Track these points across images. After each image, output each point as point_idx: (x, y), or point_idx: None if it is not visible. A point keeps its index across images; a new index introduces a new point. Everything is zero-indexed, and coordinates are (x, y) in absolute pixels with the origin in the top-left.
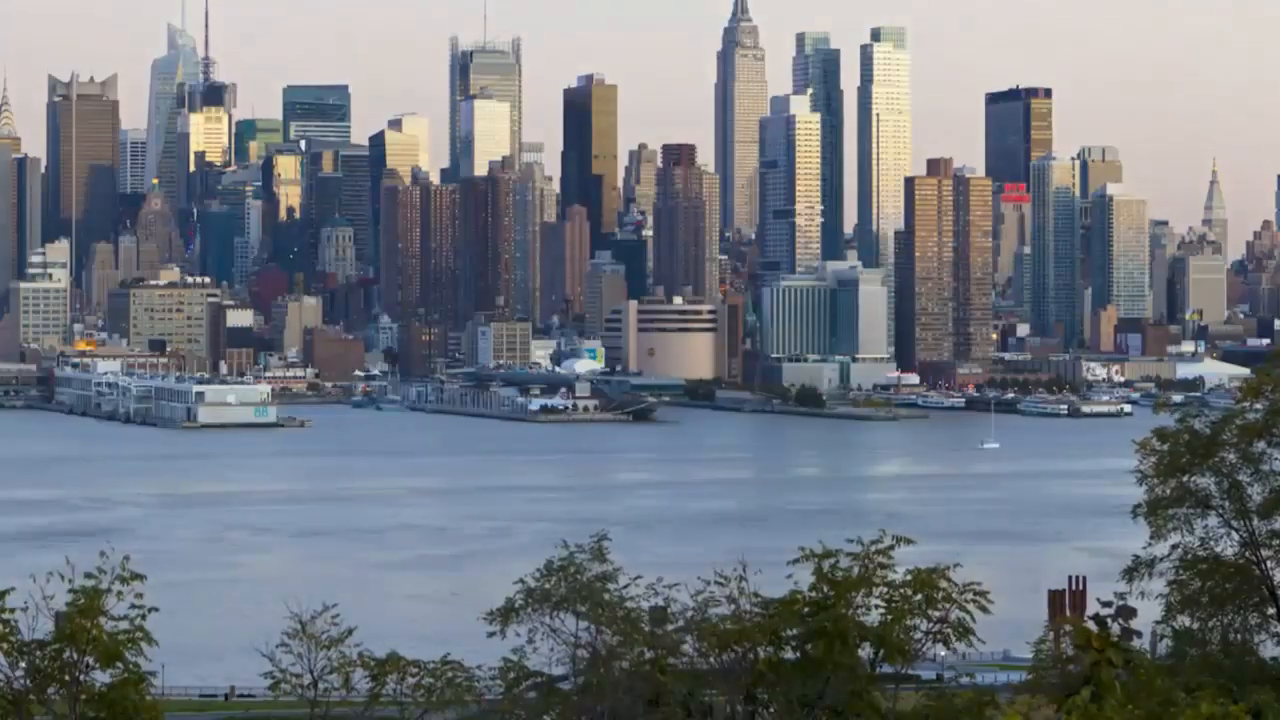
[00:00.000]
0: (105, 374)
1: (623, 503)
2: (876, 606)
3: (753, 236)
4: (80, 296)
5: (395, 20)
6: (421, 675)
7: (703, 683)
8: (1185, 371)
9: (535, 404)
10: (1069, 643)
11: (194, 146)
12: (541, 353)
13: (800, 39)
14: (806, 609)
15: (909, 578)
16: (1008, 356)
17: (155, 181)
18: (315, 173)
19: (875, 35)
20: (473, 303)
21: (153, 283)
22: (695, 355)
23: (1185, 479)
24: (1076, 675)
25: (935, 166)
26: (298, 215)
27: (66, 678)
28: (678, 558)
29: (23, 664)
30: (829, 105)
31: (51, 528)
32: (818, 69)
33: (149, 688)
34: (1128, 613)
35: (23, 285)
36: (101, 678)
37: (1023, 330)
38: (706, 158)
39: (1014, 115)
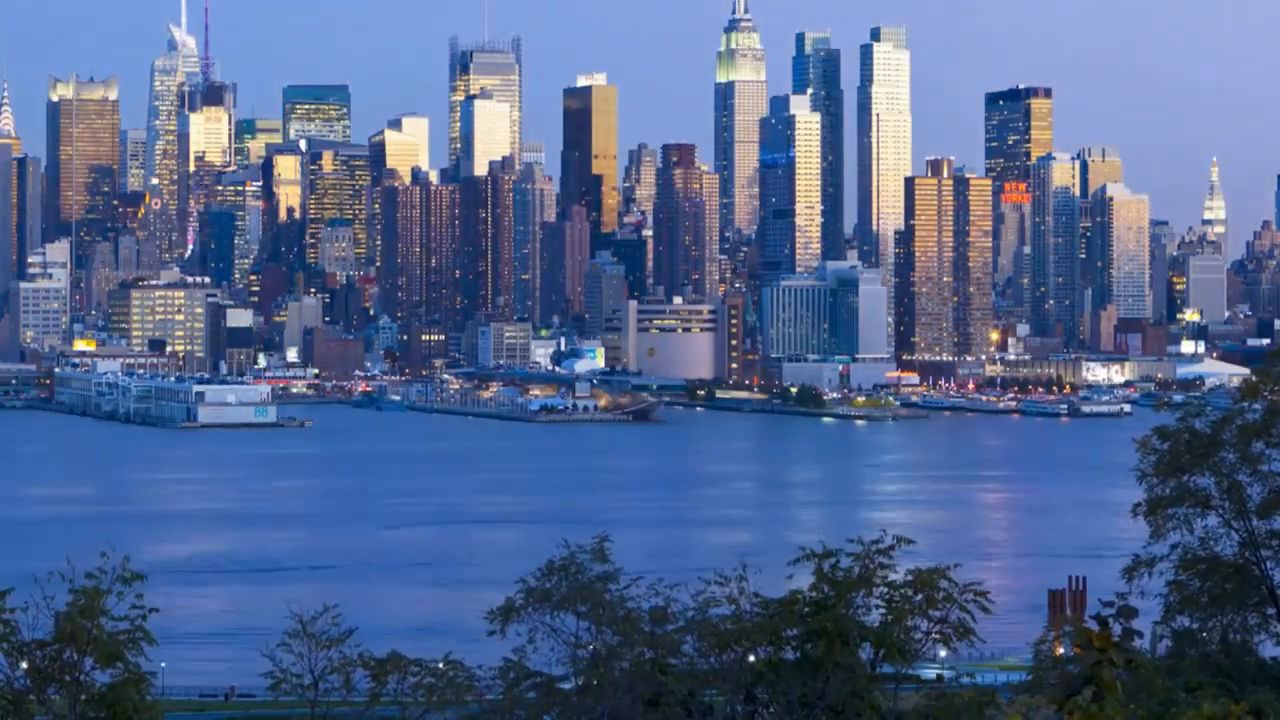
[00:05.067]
0: (105, 374)
1: (623, 503)
2: (876, 606)
3: (753, 236)
4: (80, 296)
5: (395, 20)
6: (422, 675)
7: (703, 683)
8: (1185, 371)
9: (535, 404)
10: (1068, 643)
11: (194, 146)
12: (541, 353)
13: (800, 39)
14: (806, 609)
15: (909, 578)
16: (1008, 356)
17: (155, 181)
18: (315, 173)
19: (875, 35)
20: (473, 303)
21: (153, 283)
22: (695, 355)
23: (1185, 478)
24: (1077, 675)
25: (935, 166)
26: (297, 215)
27: (66, 678)
28: (677, 558)
29: (23, 664)
30: (829, 105)
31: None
32: (818, 69)
33: (149, 688)
34: (1129, 613)
35: (23, 285)
36: (101, 678)
37: (1023, 330)
38: (706, 158)
39: (1014, 115)
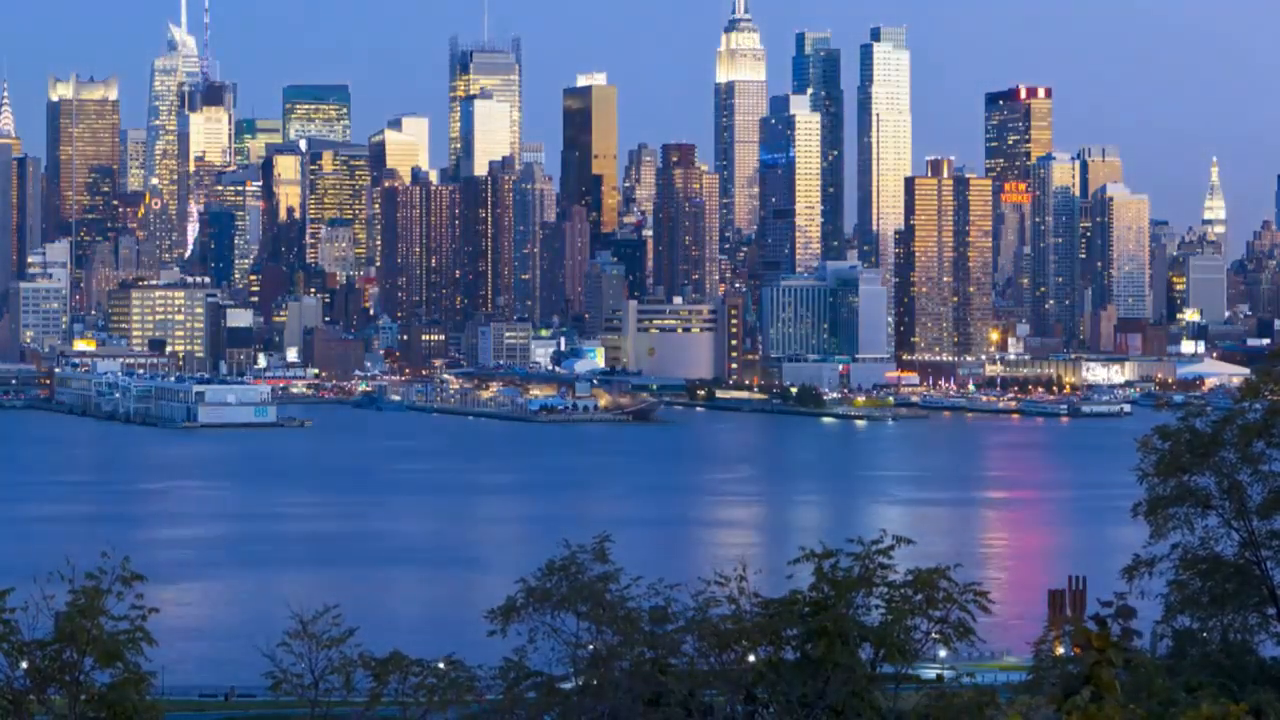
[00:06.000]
0: (105, 374)
1: (623, 503)
2: (876, 606)
3: (753, 236)
4: (80, 296)
5: (395, 20)
6: (423, 675)
7: (703, 683)
8: (1185, 371)
9: (535, 404)
10: (1068, 643)
11: (194, 146)
12: (541, 353)
13: (800, 39)
14: (806, 609)
15: (910, 578)
16: (1008, 356)
17: (155, 182)
18: (315, 173)
19: (875, 35)
20: (473, 303)
21: (153, 283)
22: (695, 355)
23: (1185, 478)
24: (1076, 675)
25: (935, 166)
26: (297, 215)
27: (66, 678)
28: (677, 558)
29: (23, 664)
30: (829, 105)
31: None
32: (818, 69)
33: (149, 688)
34: (1128, 613)
35: (23, 285)
36: (101, 678)
37: (1023, 330)
38: (706, 158)
39: (1014, 115)
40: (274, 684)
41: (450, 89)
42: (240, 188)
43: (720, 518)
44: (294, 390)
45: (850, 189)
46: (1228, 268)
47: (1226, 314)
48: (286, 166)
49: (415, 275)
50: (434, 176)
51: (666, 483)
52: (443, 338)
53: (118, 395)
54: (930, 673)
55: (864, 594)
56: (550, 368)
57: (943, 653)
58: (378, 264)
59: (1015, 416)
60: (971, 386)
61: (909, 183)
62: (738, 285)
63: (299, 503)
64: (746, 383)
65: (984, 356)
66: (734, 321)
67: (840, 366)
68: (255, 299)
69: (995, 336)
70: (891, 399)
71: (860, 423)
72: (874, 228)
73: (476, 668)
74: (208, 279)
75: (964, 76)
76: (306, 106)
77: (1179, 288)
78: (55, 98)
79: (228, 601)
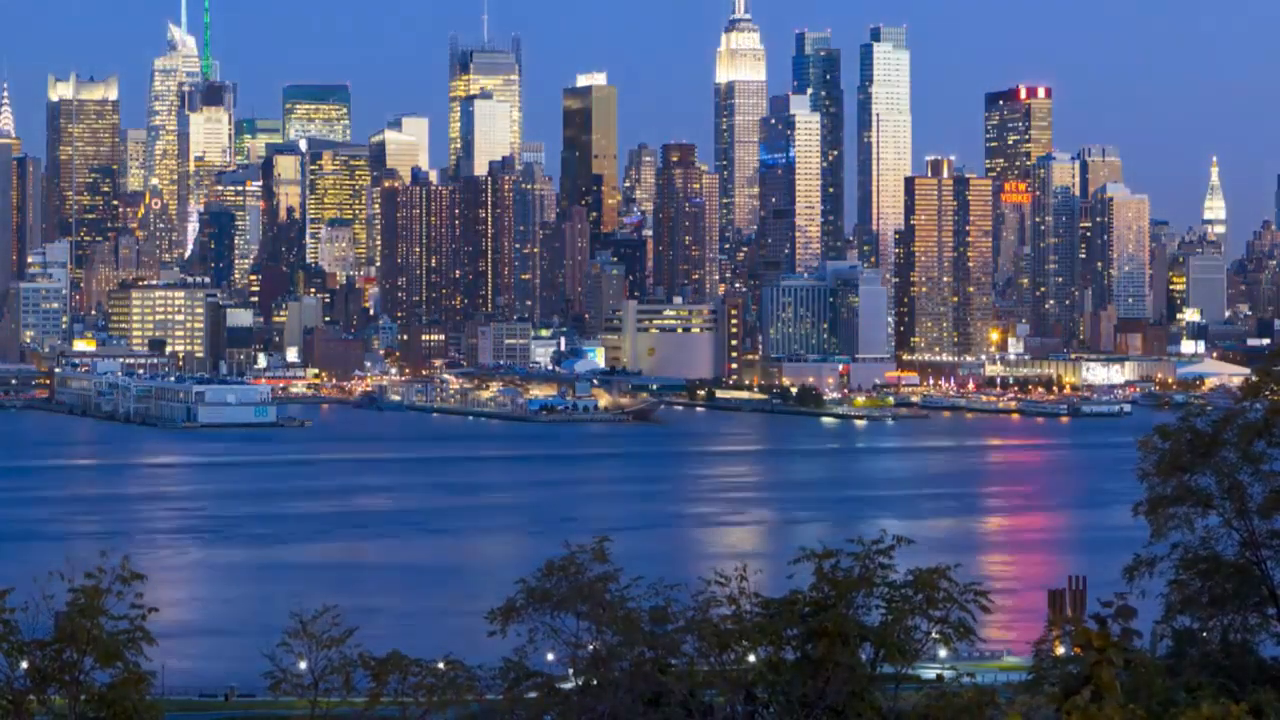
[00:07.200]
0: (105, 374)
1: (623, 503)
2: (877, 606)
3: (753, 236)
4: (80, 296)
5: (395, 20)
6: (423, 675)
7: (703, 683)
8: (1185, 371)
9: (535, 403)
10: (1068, 642)
11: (194, 147)
12: (541, 353)
13: (800, 39)
14: (807, 609)
15: (910, 578)
16: (1008, 356)
17: (155, 182)
18: (315, 173)
19: (875, 35)
20: (473, 303)
21: (153, 283)
22: (695, 355)
23: (1186, 478)
24: (1077, 675)
25: (935, 166)
26: (297, 215)
27: (66, 678)
28: (677, 558)
29: (23, 664)
30: (829, 105)
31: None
32: (818, 69)
33: (149, 687)
34: (1127, 613)
35: (23, 285)
36: (101, 677)
37: (1023, 330)
38: (706, 158)
39: (1014, 115)
40: (273, 684)
41: (450, 89)
42: (240, 188)
43: (721, 517)
44: (294, 390)
45: (850, 189)
46: (1228, 268)
47: (1226, 314)
48: (286, 166)
49: (415, 275)
50: (434, 176)
51: (666, 482)
52: (443, 338)
53: (118, 395)
54: (930, 673)
55: (864, 594)
56: (550, 367)
57: (943, 653)
58: (378, 264)
59: (1015, 416)
60: (972, 386)
61: (909, 182)
62: (737, 285)
63: (297, 502)
64: (746, 383)
65: (984, 356)
66: (734, 321)
67: (840, 366)
68: (255, 299)
69: (995, 336)
70: (891, 399)
71: (860, 422)
72: (874, 228)
73: (476, 667)
74: (208, 279)
75: (964, 76)
76: (306, 106)
77: (1179, 288)
78: (55, 98)
79: (227, 601)
